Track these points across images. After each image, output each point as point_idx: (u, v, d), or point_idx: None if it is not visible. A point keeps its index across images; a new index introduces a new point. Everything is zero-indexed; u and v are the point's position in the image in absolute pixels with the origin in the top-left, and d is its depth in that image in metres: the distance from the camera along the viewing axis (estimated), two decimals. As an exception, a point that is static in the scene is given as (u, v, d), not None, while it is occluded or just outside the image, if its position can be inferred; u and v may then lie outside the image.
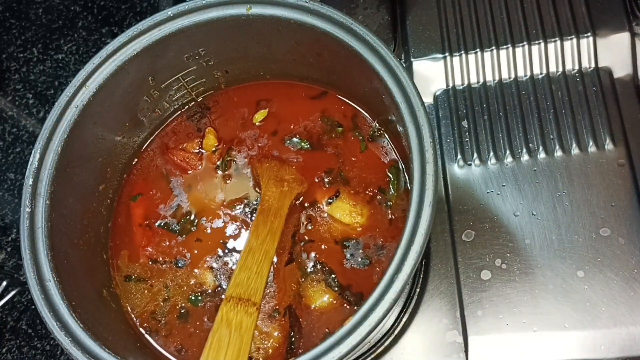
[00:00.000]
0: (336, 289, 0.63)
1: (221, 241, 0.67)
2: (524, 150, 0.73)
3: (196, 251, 0.67)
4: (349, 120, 0.69)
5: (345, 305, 0.62)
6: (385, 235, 0.64)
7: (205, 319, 0.64)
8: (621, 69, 0.74)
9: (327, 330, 0.61)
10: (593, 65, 0.74)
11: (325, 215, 0.66)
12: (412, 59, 0.80)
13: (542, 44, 0.76)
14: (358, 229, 0.64)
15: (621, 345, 0.64)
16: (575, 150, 0.72)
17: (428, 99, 0.78)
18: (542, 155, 0.72)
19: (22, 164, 0.89)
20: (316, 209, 0.66)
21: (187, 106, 0.73)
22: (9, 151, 0.90)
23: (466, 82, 0.78)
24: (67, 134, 0.59)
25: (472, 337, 0.67)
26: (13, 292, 0.79)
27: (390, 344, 0.69)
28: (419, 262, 0.49)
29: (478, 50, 0.78)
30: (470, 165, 0.74)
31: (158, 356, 0.64)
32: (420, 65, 0.79)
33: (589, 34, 0.75)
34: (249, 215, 0.67)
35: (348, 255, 0.64)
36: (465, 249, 0.70)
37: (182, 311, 0.65)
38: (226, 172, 0.70)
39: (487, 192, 0.72)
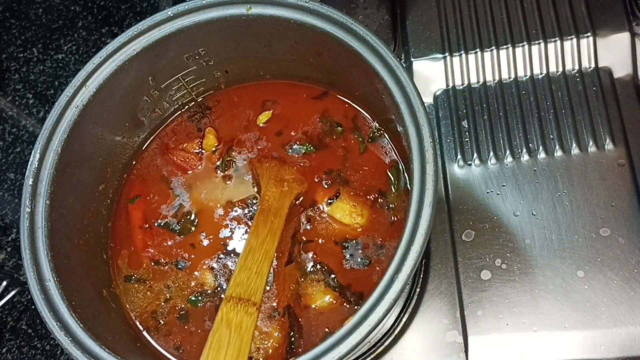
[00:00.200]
0: (336, 289, 0.63)
1: (221, 241, 0.67)
2: (524, 150, 0.73)
3: (196, 251, 0.67)
4: (349, 121, 0.69)
5: (345, 305, 0.62)
6: (385, 235, 0.64)
7: (206, 319, 0.64)
8: (621, 69, 0.74)
9: (327, 330, 0.61)
10: (593, 65, 0.74)
11: (325, 215, 0.66)
12: (412, 59, 0.80)
13: (542, 44, 0.76)
14: (358, 230, 0.64)
15: (621, 345, 0.64)
16: (575, 150, 0.72)
17: (428, 99, 0.78)
18: (542, 155, 0.72)
19: (22, 164, 0.89)
20: (316, 209, 0.66)
21: (187, 106, 0.73)
22: (9, 151, 0.90)
23: (466, 82, 0.78)
24: (67, 134, 0.59)
25: (472, 337, 0.67)
26: (13, 292, 0.79)
27: (390, 344, 0.69)
28: (419, 262, 0.49)
29: (478, 50, 0.78)
30: (470, 165, 0.74)
31: (158, 356, 0.64)
32: (420, 65, 0.79)
33: (589, 34, 0.75)
34: (249, 216, 0.67)
35: (347, 256, 0.64)
36: (465, 249, 0.70)
37: (182, 312, 0.65)
38: (226, 173, 0.70)
39: (487, 192, 0.72)
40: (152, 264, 0.67)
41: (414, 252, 0.49)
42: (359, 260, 0.63)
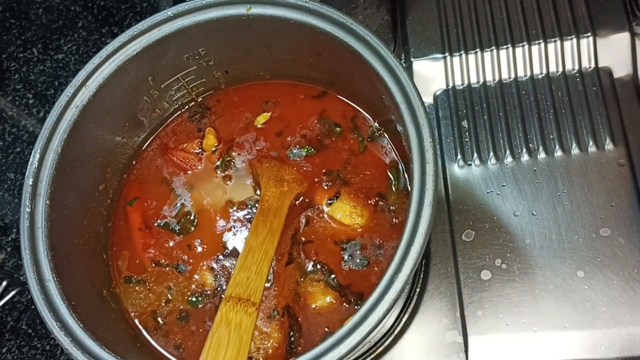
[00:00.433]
0: (336, 289, 0.63)
1: (221, 242, 0.67)
2: (524, 150, 0.73)
3: (196, 252, 0.67)
4: (349, 121, 0.69)
5: (345, 305, 0.62)
6: (385, 236, 0.64)
7: (206, 319, 0.64)
8: (621, 69, 0.74)
9: (327, 330, 0.61)
10: (593, 65, 0.74)
11: (325, 216, 0.66)
12: (412, 59, 0.80)
13: (542, 44, 0.76)
14: (358, 230, 0.64)
15: (621, 345, 0.64)
16: (575, 150, 0.72)
17: (428, 99, 0.78)
18: (542, 155, 0.72)
19: (22, 164, 0.89)
20: (316, 209, 0.66)
21: (187, 106, 0.73)
22: (9, 151, 0.90)
23: (466, 82, 0.78)
24: (67, 134, 0.59)
25: (472, 337, 0.67)
26: (13, 292, 0.78)
27: (390, 344, 0.69)
28: (419, 262, 0.49)
29: (478, 50, 0.78)
30: (470, 165, 0.74)
31: (158, 356, 0.64)
32: (420, 65, 0.79)
33: (589, 34, 0.75)
34: (249, 216, 0.67)
35: (347, 256, 0.64)
36: (465, 249, 0.70)
37: (183, 314, 0.65)
38: (226, 173, 0.69)
39: (487, 192, 0.72)
40: (153, 264, 0.67)
41: (414, 252, 0.49)
42: (359, 260, 0.63)
